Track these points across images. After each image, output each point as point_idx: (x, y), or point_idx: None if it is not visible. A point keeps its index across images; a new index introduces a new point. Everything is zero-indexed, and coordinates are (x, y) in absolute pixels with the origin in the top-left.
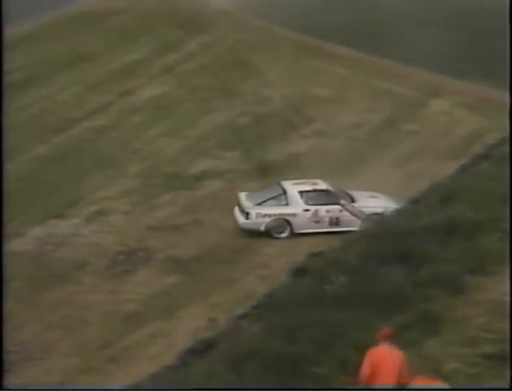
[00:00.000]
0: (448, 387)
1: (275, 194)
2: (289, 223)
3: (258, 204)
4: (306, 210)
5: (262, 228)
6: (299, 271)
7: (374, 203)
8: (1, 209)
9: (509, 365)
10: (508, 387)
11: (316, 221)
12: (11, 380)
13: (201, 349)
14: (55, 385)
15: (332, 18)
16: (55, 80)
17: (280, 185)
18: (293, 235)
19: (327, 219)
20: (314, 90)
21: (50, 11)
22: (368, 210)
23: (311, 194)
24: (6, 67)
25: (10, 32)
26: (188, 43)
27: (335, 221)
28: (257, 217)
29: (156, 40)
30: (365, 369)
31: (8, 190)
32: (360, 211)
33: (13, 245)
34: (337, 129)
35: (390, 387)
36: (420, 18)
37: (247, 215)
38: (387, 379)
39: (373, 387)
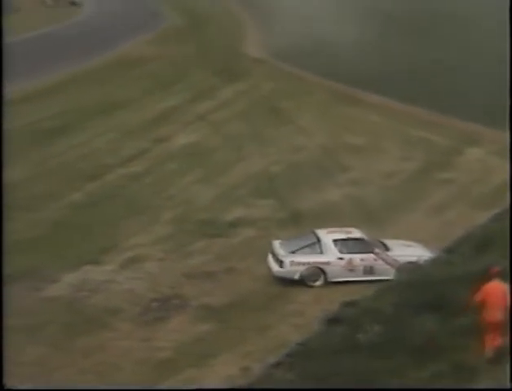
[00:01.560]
0: None
1: (309, 242)
2: (323, 271)
3: (292, 252)
4: (341, 258)
5: (296, 276)
6: (333, 320)
7: (408, 251)
8: (1, 221)
9: (509, 365)
10: (508, 387)
11: (350, 270)
12: None
13: None
14: (56, 385)
15: (365, 66)
16: (89, 127)
17: (314, 233)
18: (328, 283)
19: (361, 268)
20: (348, 138)
21: (87, 59)
22: (403, 259)
23: (346, 242)
24: (41, 114)
25: (44, 80)
26: (223, 91)
27: (369, 270)
28: (291, 265)
29: (191, 87)
30: (477, 297)
31: (43, 236)
32: (394, 260)
33: (48, 291)
34: (371, 177)
35: None
36: (452, 67)
37: (281, 263)
38: (494, 308)
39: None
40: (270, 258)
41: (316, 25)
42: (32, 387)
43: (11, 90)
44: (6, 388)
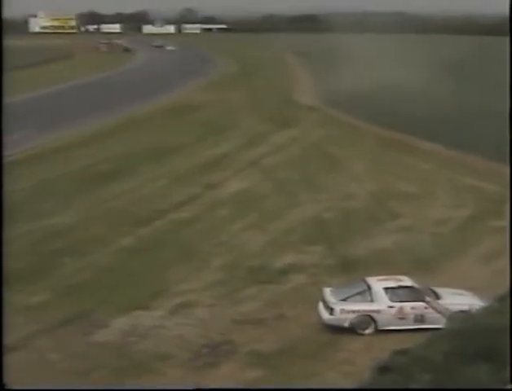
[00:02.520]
0: None
1: (359, 290)
2: (373, 320)
3: (343, 300)
4: (391, 307)
5: (347, 324)
6: (383, 368)
7: (460, 300)
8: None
9: (509, 365)
10: (509, 387)
11: (401, 318)
12: None
13: None
14: (55, 385)
15: (417, 113)
16: (141, 172)
17: (364, 281)
18: (378, 331)
19: (412, 316)
20: (399, 186)
21: (140, 105)
22: (454, 307)
23: (396, 290)
24: (94, 158)
25: (97, 125)
26: (275, 137)
27: (420, 319)
28: (341, 312)
29: (243, 133)
30: None
31: (93, 280)
32: (445, 308)
33: (97, 336)
34: (422, 224)
35: None
36: (504, 113)
37: (331, 311)
38: None
39: None
40: (320, 305)
41: (367, 72)
42: (32, 387)
43: (64, 135)
44: (6, 388)
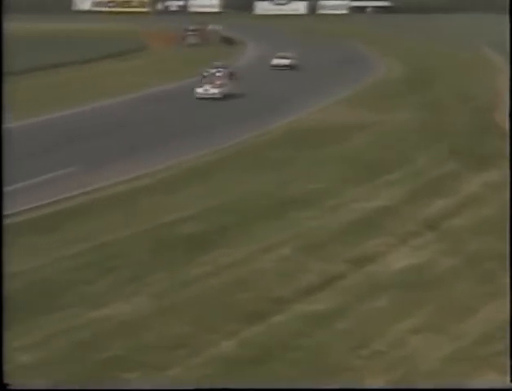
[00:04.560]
0: None
1: None
2: None
3: None
4: None
5: None
6: None
7: None
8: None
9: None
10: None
11: None
12: None
13: None
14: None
15: None
16: (248, 235)
17: None
18: None
19: None
20: None
21: (245, 131)
22: None
23: None
24: (179, 213)
25: (182, 160)
26: (466, 182)
27: None
28: None
29: (414, 176)
30: None
31: None
32: None
33: None
34: None
35: None
36: None
37: None
38: None
39: None
40: None
41: None
42: (32, 387)
43: (129, 175)
44: (8, 388)
